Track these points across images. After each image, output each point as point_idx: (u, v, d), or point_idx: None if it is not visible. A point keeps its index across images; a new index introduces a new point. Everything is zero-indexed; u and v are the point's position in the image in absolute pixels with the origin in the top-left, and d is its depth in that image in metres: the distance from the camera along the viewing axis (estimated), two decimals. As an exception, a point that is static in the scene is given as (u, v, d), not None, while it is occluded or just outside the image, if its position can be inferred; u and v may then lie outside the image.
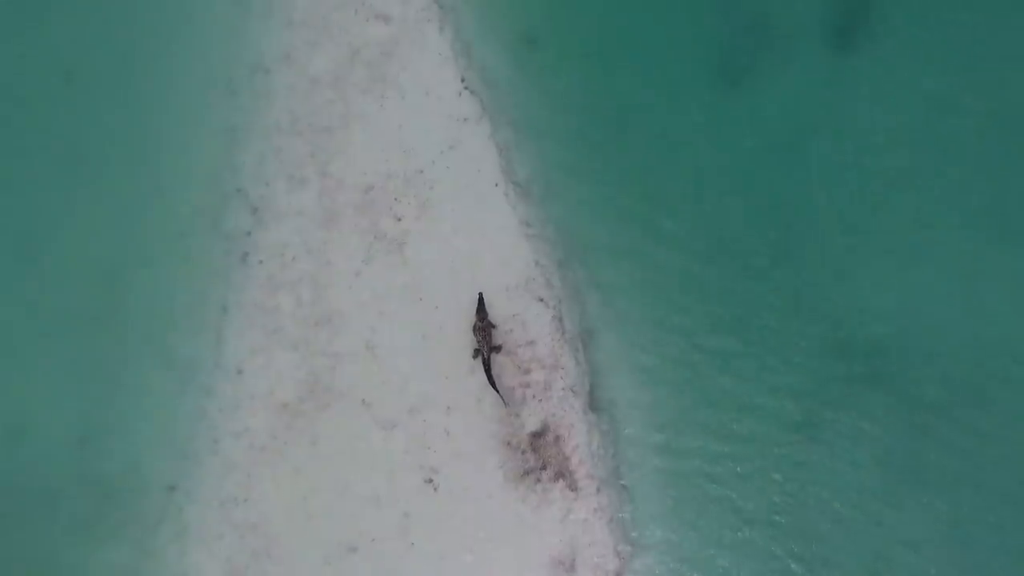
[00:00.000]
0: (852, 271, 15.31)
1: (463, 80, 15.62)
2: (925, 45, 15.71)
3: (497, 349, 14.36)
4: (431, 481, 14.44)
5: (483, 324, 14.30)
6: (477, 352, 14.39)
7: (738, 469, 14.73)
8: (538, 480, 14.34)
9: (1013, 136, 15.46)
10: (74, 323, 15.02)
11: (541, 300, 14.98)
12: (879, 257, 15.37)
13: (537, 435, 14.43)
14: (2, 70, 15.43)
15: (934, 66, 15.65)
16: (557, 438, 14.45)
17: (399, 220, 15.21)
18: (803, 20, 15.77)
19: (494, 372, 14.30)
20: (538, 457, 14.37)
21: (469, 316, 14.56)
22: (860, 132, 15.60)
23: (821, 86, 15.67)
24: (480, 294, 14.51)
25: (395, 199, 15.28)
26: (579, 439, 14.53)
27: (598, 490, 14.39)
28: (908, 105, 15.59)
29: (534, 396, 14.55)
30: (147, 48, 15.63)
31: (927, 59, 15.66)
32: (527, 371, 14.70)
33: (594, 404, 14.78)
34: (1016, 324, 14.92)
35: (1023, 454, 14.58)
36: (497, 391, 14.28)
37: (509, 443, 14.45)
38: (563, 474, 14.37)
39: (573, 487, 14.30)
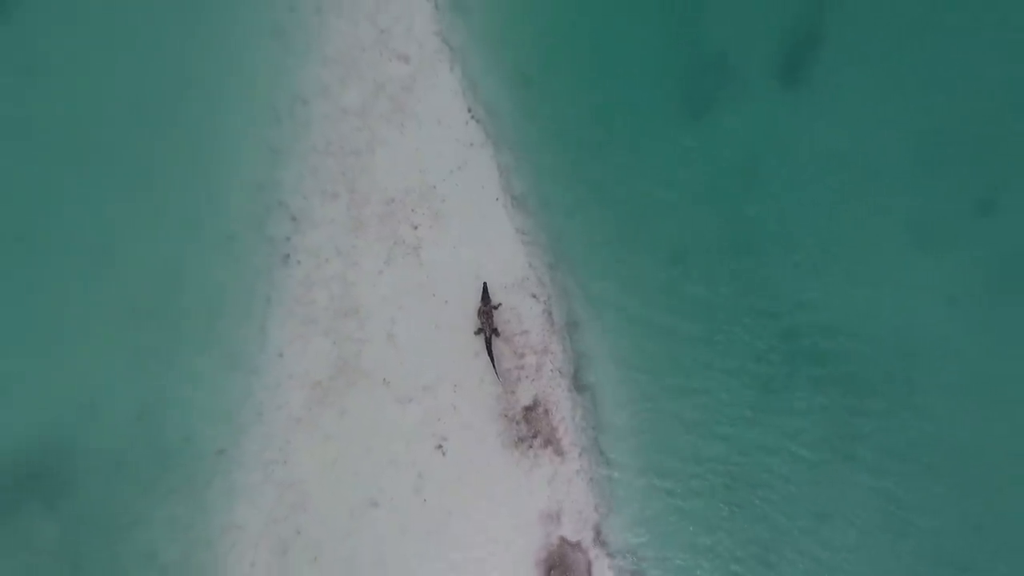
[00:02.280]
0: (797, 278, 17.24)
1: (470, 111, 17.46)
2: (860, 81, 17.67)
3: (496, 332, 16.49)
4: (441, 447, 16.47)
5: (486, 308, 16.41)
6: (479, 331, 16.47)
7: (699, 441, 16.75)
8: (530, 447, 16.48)
9: (935, 162, 17.45)
10: (139, 313, 16.83)
11: (534, 296, 17.02)
12: (821, 265, 17.27)
13: (529, 409, 16.60)
14: (82, 101, 17.37)
15: (868, 99, 17.66)
16: (546, 411, 16.62)
17: (415, 228, 17.12)
18: (755, 60, 17.76)
19: (494, 353, 16.39)
20: (530, 427, 16.52)
21: (475, 303, 16.60)
22: (805, 157, 17.54)
23: (771, 117, 17.65)
24: (484, 283, 16.62)
25: (412, 211, 17.19)
26: (565, 412, 16.65)
27: (580, 455, 16.52)
28: (845, 133, 17.55)
29: (527, 376, 16.70)
30: (204, 81, 17.46)
31: (862, 93, 17.67)
32: (521, 355, 16.79)
33: (577, 383, 16.84)
34: (936, 322, 16.98)
35: (945, 435, 16.66)
36: (493, 364, 16.40)
37: (506, 415, 16.57)
38: (551, 441, 16.52)
39: (559, 452, 16.46)
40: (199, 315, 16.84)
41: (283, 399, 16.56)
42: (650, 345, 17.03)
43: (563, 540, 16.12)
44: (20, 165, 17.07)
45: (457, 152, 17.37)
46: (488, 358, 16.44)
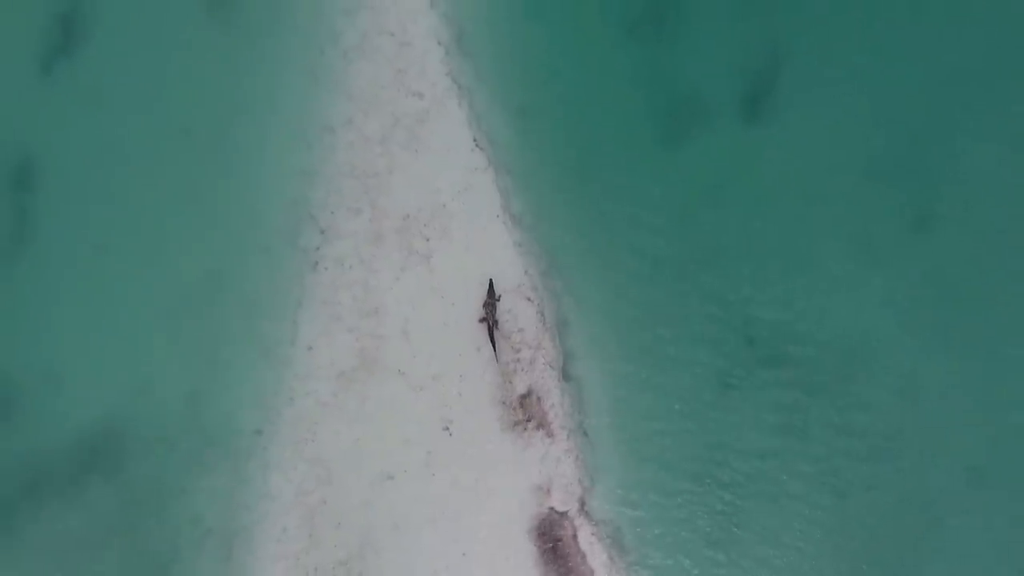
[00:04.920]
0: (756, 287, 18.85)
1: (475, 140, 19.18)
2: (811, 116, 19.36)
3: (496, 323, 18.43)
4: (447, 429, 18.24)
5: (491, 300, 18.26)
6: (483, 320, 18.34)
7: (671, 424, 18.40)
8: (524, 429, 18.26)
9: (877, 185, 19.12)
10: (187, 311, 18.89)
11: (529, 299, 18.76)
12: (777, 275, 18.90)
13: (524, 396, 18.42)
14: (141, 129, 19.58)
15: (818, 131, 19.32)
16: (539, 399, 18.42)
17: (427, 240, 18.88)
18: (721, 98, 19.57)
19: (495, 339, 18.25)
20: (525, 412, 18.34)
21: (479, 303, 18.44)
22: (764, 181, 19.31)
23: (734, 146, 19.39)
24: (491, 279, 18.43)
25: (424, 225, 18.96)
26: (555, 400, 18.41)
27: (568, 437, 18.26)
28: (798, 161, 19.29)
29: (523, 368, 18.53)
30: (245, 111, 19.51)
31: (813, 126, 19.36)
32: (518, 350, 18.67)
33: (566, 375, 18.60)
34: (877, 327, 18.58)
35: (882, 418, 18.32)
36: (494, 349, 18.28)
37: (504, 402, 18.40)
38: (543, 425, 18.30)
39: (550, 434, 18.26)
40: (240, 313, 18.77)
41: (312, 386, 18.40)
42: (629, 342, 18.74)
43: (552, 510, 17.96)
44: (92, 182, 19.33)
45: (463, 175, 19.17)
46: (490, 343, 18.29)
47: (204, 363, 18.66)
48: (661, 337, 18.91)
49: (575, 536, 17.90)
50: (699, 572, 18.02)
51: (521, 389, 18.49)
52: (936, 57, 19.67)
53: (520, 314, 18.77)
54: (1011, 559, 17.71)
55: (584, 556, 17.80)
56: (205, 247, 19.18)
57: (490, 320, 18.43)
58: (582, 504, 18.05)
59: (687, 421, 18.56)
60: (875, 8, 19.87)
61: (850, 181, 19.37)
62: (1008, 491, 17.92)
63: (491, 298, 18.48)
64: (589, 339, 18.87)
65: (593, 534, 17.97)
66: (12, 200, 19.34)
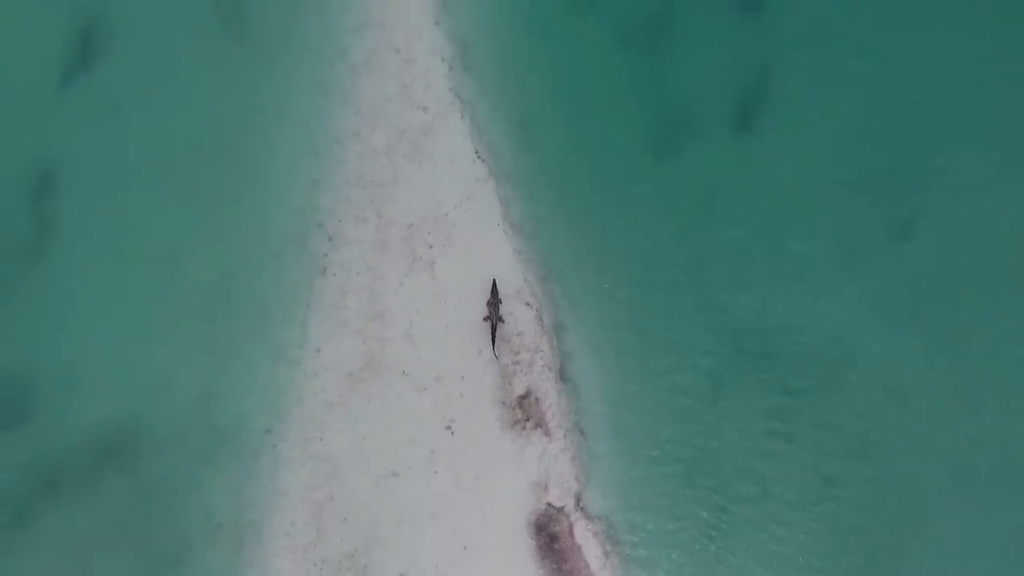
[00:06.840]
0: (745, 293, 19.43)
1: (477, 152, 19.90)
2: (799, 129, 20.23)
3: (501, 320, 18.99)
4: (450, 428, 18.80)
5: (494, 300, 18.85)
6: (487, 319, 18.92)
7: (664, 424, 18.93)
8: (523, 428, 18.84)
9: (862, 196, 19.83)
10: (200, 314, 19.52)
11: (528, 304, 19.43)
12: (766, 282, 19.52)
13: (523, 397, 19.04)
14: (157, 139, 20.34)
15: (805, 144, 20.17)
16: (537, 400, 19.02)
17: (431, 248, 19.56)
18: (716, 110, 20.41)
19: (496, 337, 18.78)
20: (524, 412, 18.94)
21: (481, 308, 19.03)
22: (753, 191, 20.04)
23: (725, 158, 20.22)
24: (494, 280, 19.01)
25: (428, 233, 19.64)
26: (552, 400, 18.99)
27: (565, 436, 18.84)
28: (786, 172, 20.07)
29: (522, 370, 19.16)
30: (257, 123, 20.29)
31: (801, 139, 20.22)
32: (517, 352, 19.30)
33: (563, 376, 19.22)
34: (861, 332, 19.16)
35: (872, 421, 18.75)
36: (494, 347, 18.84)
37: (503, 402, 18.99)
38: (541, 424, 18.89)
39: (547, 434, 18.84)
40: (251, 316, 19.42)
41: (320, 387, 18.97)
42: (623, 346, 19.39)
43: (550, 505, 18.49)
44: (109, 190, 20.06)
45: (466, 186, 19.90)
46: (491, 343, 18.87)
47: (216, 364, 19.23)
48: (655, 341, 19.50)
49: (571, 531, 18.43)
50: (691, 567, 18.50)
51: (520, 390, 19.07)
52: (923, 69, 20.45)
53: (519, 318, 19.38)
54: (1007, 559, 18.06)
55: (580, 550, 18.32)
56: (218, 253, 19.83)
57: (493, 319, 19.04)
58: (578, 500, 18.56)
59: (680, 422, 19.09)
60: (865, 22, 20.69)
61: (840, 189, 20.04)
62: (1000, 491, 18.28)
63: (494, 297, 19.09)
64: (585, 343, 19.48)
65: (589, 529, 18.49)
66: (33, 207, 20.05)
